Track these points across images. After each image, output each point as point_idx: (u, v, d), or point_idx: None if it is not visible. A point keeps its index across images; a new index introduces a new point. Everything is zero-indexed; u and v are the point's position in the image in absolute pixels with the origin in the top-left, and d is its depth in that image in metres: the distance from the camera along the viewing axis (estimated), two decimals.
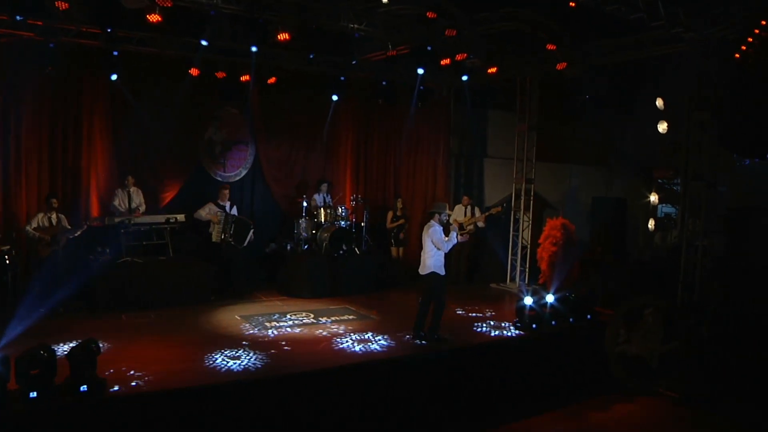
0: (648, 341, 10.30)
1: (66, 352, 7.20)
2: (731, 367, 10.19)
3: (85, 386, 6.75)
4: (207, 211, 12.15)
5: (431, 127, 15.71)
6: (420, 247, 15.33)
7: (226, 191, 12.49)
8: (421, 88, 14.73)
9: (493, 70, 13.20)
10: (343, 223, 13.50)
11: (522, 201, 14.27)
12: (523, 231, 14.38)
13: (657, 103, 11.41)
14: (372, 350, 9.32)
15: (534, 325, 10.65)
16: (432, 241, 9.65)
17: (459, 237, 9.99)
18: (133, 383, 7.45)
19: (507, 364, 10.04)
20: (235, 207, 12.62)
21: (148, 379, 7.62)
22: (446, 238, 9.72)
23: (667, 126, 11.26)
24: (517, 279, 14.29)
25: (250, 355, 8.79)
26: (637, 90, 17.57)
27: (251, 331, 9.98)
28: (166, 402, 7.24)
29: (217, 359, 8.52)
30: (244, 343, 9.32)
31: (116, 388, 7.21)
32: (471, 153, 17.10)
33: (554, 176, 17.31)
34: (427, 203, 15.73)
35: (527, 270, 14.24)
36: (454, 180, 16.51)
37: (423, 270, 9.83)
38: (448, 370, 9.37)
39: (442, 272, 9.83)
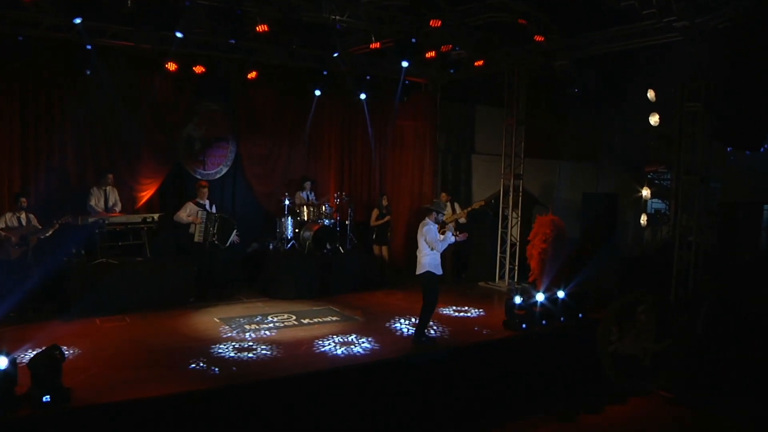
0: (641, 340, 10.06)
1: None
2: (727, 365, 9.93)
3: (48, 396, 6.33)
4: (187, 213, 11.67)
5: (417, 123, 15.32)
6: (405, 246, 15.19)
7: (205, 189, 12.00)
8: (407, 82, 14.42)
9: (479, 63, 12.84)
10: (327, 221, 13.10)
11: (510, 197, 13.90)
12: (511, 228, 14.01)
13: (648, 94, 11.07)
14: (355, 353, 8.93)
15: (524, 325, 10.29)
16: (426, 241, 9.28)
17: (456, 237, 9.58)
18: (103, 391, 7.03)
19: (496, 365, 9.69)
20: (214, 206, 12.15)
21: (119, 386, 7.22)
22: (441, 238, 9.32)
23: (659, 118, 10.90)
24: (506, 277, 13.92)
25: (228, 360, 8.39)
26: (625, 83, 17.34)
27: (230, 335, 9.58)
28: (135, 411, 6.82)
29: (193, 365, 8.12)
30: (222, 347, 8.92)
31: (83, 397, 6.79)
32: (458, 149, 16.75)
33: (543, 172, 16.98)
34: (414, 201, 15.38)
35: (516, 268, 13.87)
36: (441, 177, 16.10)
37: (419, 269, 9.49)
38: (434, 374, 8.99)
39: (438, 272, 9.47)
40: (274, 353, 8.76)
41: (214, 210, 12.03)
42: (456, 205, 14.06)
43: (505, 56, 13.06)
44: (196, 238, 11.67)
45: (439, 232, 9.38)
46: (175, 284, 11.29)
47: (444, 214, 9.67)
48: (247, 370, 8.06)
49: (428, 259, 9.34)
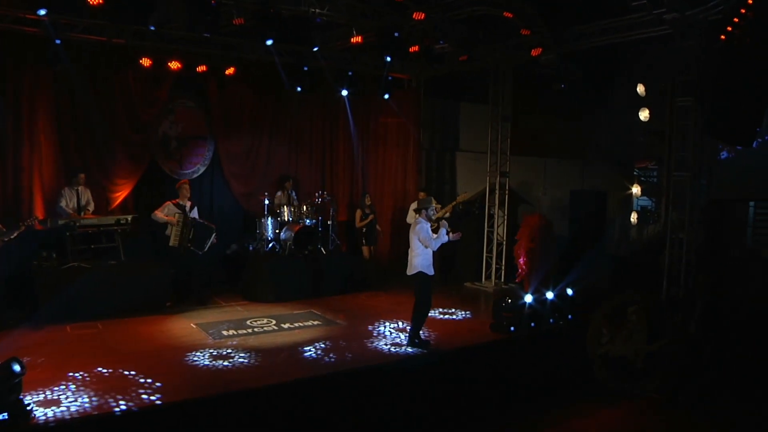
0: (632, 341, 9.68)
1: None
2: (722, 367, 9.68)
3: (5, 414, 5.86)
4: (165, 212, 11.15)
5: (400, 120, 14.93)
6: (389, 246, 14.82)
7: (186, 188, 11.41)
8: (389, 78, 14.01)
9: (464, 57, 12.46)
10: (308, 221, 12.67)
11: (496, 195, 13.52)
12: (498, 227, 13.63)
13: (638, 89, 10.74)
14: (337, 360, 8.51)
15: (512, 328, 9.94)
16: (419, 239, 8.92)
17: (451, 235, 9.20)
18: (68, 406, 6.57)
19: (484, 370, 9.32)
20: (195, 208, 11.59)
21: (87, 399, 6.76)
22: (434, 236, 8.95)
23: (649, 113, 10.57)
24: (493, 277, 13.57)
25: (203, 369, 7.96)
26: (610, 80, 17.07)
27: (207, 341, 9.13)
28: (100, 428, 6.36)
29: (166, 374, 7.65)
30: (197, 355, 8.47)
31: (45, 414, 6.33)
32: (442, 147, 16.37)
33: (528, 170, 16.57)
34: (397, 200, 15.00)
35: (503, 268, 13.51)
36: (425, 175, 15.71)
37: (410, 270, 9.16)
38: (417, 380, 8.60)
39: (431, 272, 9.13)
40: (252, 361, 8.33)
41: (196, 213, 11.49)
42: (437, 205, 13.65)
43: (491, 51, 12.68)
44: (171, 242, 11.08)
45: (432, 229, 9.05)
46: (150, 289, 10.79)
47: (434, 210, 9.25)
48: (222, 379, 7.62)
49: (420, 259, 9.02)
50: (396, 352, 8.99)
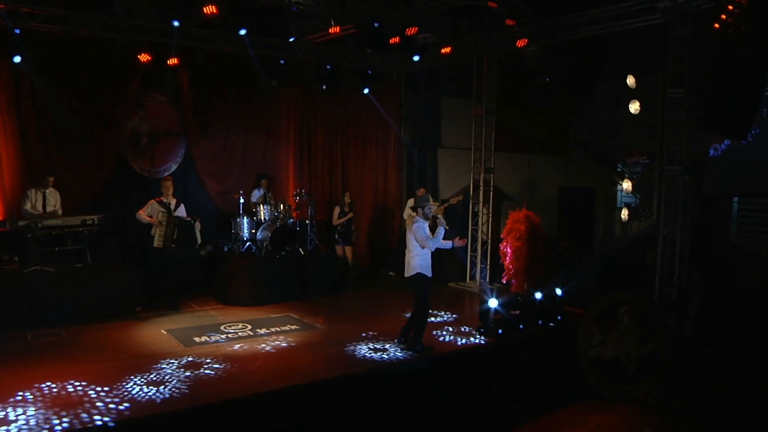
0: (624, 342, 9.27)
1: None
2: (718, 368, 9.36)
3: None
4: (148, 212, 10.49)
5: (381, 115, 14.38)
6: (369, 246, 14.28)
7: (169, 184, 10.71)
8: (369, 72, 13.49)
9: (447, 49, 11.93)
10: (286, 220, 12.08)
11: (481, 192, 13.03)
12: (482, 225, 13.14)
13: (628, 81, 10.26)
14: (315, 368, 7.96)
15: (500, 331, 9.45)
16: (416, 239, 8.39)
17: (456, 241, 8.73)
18: (23, 423, 5.99)
19: (471, 375, 8.85)
20: (182, 205, 10.88)
21: (45, 414, 6.19)
22: (431, 235, 8.42)
23: (640, 106, 10.12)
24: (478, 277, 13.08)
25: (174, 379, 7.38)
26: (597, 73, 16.69)
27: (178, 349, 8.54)
28: None
29: (131, 386, 7.09)
30: (168, 363, 7.90)
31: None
32: (424, 143, 15.84)
33: (512, 166, 16.11)
34: (378, 198, 14.47)
35: (488, 267, 13.03)
36: (406, 172, 15.18)
37: (408, 272, 8.63)
38: (402, 386, 8.08)
39: (429, 273, 8.62)
40: (225, 370, 7.76)
41: (183, 210, 10.82)
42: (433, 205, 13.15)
43: (475, 43, 12.17)
44: (156, 243, 10.44)
45: (430, 227, 8.54)
46: (119, 293, 10.15)
47: (431, 208, 8.71)
48: (192, 391, 7.05)
49: (418, 260, 8.51)
50: (377, 358, 8.46)
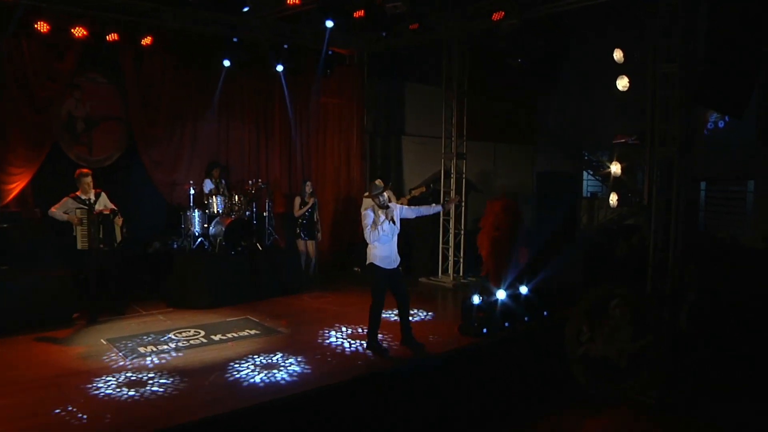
0: (615, 339, 8.41)
1: None
2: (715, 365, 8.39)
3: None
4: (64, 209, 8.92)
5: (342, 100, 13.18)
6: (331, 241, 13.05)
7: (88, 179, 9.10)
8: (330, 53, 12.24)
9: (414, 26, 10.75)
10: (241, 213, 10.80)
11: (453, 180, 11.91)
12: (454, 215, 12.02)
13: (615, 55, 9.27)
14: (279, 380, 6.78)
15: (485, 330, 8.40)
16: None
17: (449, 203, 8.38)
18: None
19: (454, 380, 7.77)
20: (103, 194, 9.33)
21: None
22: (377, 224, 7.49)
23: (629, 82, 9.11)
24: (450, 271, 11.98)
25: (108, 400, 6.12)
26: (561, 61, 15.87)
27: (120, 363, 7.25)
28: None
29: (58, 410, 5.82)
30: (104, 381, 6.60)
31: None
32: (387, 130, 14.68)
33: (478, 155, 15.07)
34: (341, 188, 13.30)
35: (461, 260, 11.93)
36: (369, 161, 13.98)
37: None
38: (379, 397, 6.95)
39: (386, 264, 7.68)
40: (174, 387, 6.50)
41: (105, 200, 9.31)
42: (392, 195, 11.98)
43: (446, 20, 11.02)
44: (80, 245, 8.92)
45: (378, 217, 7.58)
46: (52, 297, 8.77)
47: (386, 198, 7.62)
48: (130, 415, 5.79)
49: (372, 249, 7.66)
50: (354, 364, 7.32)
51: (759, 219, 14.27)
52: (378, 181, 7.69)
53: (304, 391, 6.49)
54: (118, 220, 9.22)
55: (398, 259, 7.83)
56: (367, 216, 7.55)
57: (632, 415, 8.12)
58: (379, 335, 7.95)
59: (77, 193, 9.05)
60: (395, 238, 7.75)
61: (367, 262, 7.76)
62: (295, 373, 6.99)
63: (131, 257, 10.31)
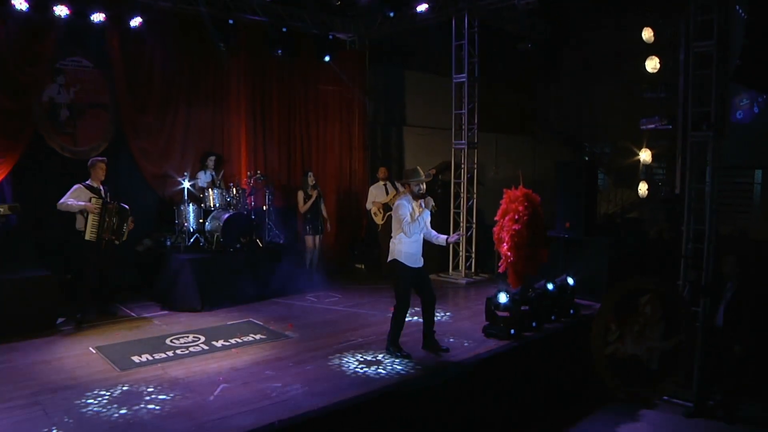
0: (646, 337, 7.61)
1: None
2: (757, 365, 7.62)
3: None
4: (77, 198, 7.98)
5: (343, 88, 12.24)
6: (334, 236, 12.11)
7: (101, 167, 8.24)
8: (330, 37, 11.34)
9: (423, 6, 9.86)
10: (239, 207, 9.85)
11: (464, 169, 11.01)
12: (466, 207, 11.13)
13: (644, 35, 8.41)
14: (295, 395, 5.82)
15: (512, 330, 7.53)
16: (395, 220, 6.74)
17: (452, 237, 7.17)
18: None
19: (487, 388, 6.92)
20: (105, 190, 8.39)
21: None
22: (414, 217, 6.66)
23: (659, 63, 8.26)
24: (462, 267, 11.09)
25: (101, 421, 5.14)
26: (560, 52, 15.21)
27: (112, 374, 6.28)
28: None
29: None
30: (97, 397, 5.67)
31: None
32: (388, 121, 13.80)
33: (480, 147, 14.23)
34: (342, 180, 12.41)
35: (473, 256, 11.06)
36: (370, 152, 13.05)
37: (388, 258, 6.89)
38: (412, 408, 6.07)
39: (411, 262, 6.79)
40: (173, 403, 5.57)
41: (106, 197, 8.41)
42: (392, 183, 11.12)
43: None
44: (88, 236, 7.99)
45: (416, 208, 6.75)
46: (35, 300, 7.74)
47: (421, 185, 6.79)
48: None
49: (398, 244, 6.76)
50: (373, 374, 6.40)
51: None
52: (417, 167, 6.83)
53: (325, 407, 5.57)
54: (131, 223, 8.41)
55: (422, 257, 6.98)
56: (402, 206, 6.66)
57: (670, 421, 7.45)
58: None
59: (89, 182, 8.18)
60: (422, 234, 6.89)
61: (389, 259, 6.87)
62: (311, 385, 6.05)
63: (120, 256, 9.28)
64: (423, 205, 6.77)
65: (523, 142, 16.69)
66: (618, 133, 14.55)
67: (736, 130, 12.44)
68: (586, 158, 15.39)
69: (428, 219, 6.92)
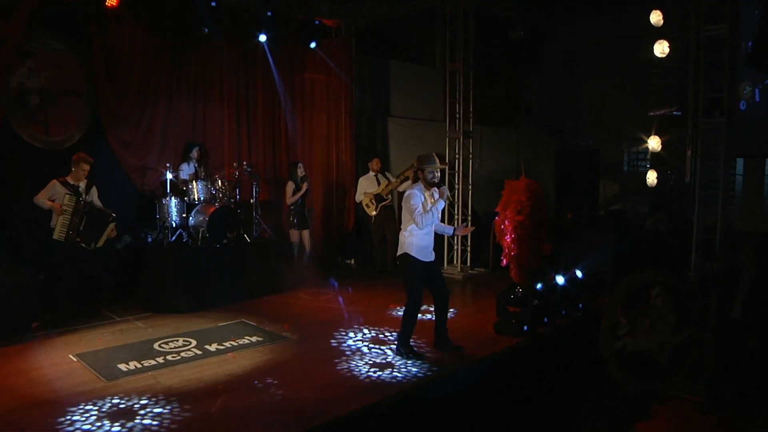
0: (656, 331, 7.19)
1: None
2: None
3: None
4: (49, 195, 7.34)
5: (330, 76, 11.53)
6: (321, 229, 11.45)
7: (85, 168, 7.55)
8: (316, 22, 10.68)
9: None
10: (226, 200, 9.12)
11: (459, 161, 10.43)
12: (461, 200, 10.55)
13: (651, 18, 7.92)
14: (309, 401, 5.18)
15: (525, 327, 7.01)
16: (407, 211, 6.14)
17: (460, 229, 7.06)
18: None
19: (501, 387, 6.41)
20: (94, 188, 7.81)
21: None
22: (426, 208, 6.12)
23: (669, 47, 7.78)
24: (458, 262, 10.52)
25: None
26: (543, 43, 14.82)
27: (98, 386, 5.54)
28: None
29: None
30: (84, 413, 4.94)
31: None
32: (373, 111, 13.16)
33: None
34: (329, 172, 11.73)
35: (469, 250, 10.48)
36: (355, 144, 12.40)
37: (398, 251, 6.33)
38: (430, 412, 5.50)
39: (423, 256, 6.24)
40: (172, 417, 4.88)
41: (95, 196, 7.80)
42: (389, 175, 10.52)
43: None
44: (56, 235, 7.33)
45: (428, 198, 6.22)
46: (8, 304, 6.89)
47: (435, 173, 6.21)
48: None
49: (409, 237, 6.19)
50: (388, 377, 5.78)
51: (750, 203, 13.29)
52: (433, 154, 6.23)
53: (341, 415, 4.93)
54: (112, 231, 7.76)
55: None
56: (414, 196, 6.09)
57: (683, 417, 6.88)
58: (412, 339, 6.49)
59: (66, 178, 7.47)
60: (434, 226, 6.30)
61: (399, 253, 6.29)
62: (320, 392, 5.41)
63: (101, 255, 8.48)
64: (437, 194, 6.21)
65: (507, 134, 16.20)
66: (602, 124, 14.23)
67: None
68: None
69: (441, 209, 6.38)
